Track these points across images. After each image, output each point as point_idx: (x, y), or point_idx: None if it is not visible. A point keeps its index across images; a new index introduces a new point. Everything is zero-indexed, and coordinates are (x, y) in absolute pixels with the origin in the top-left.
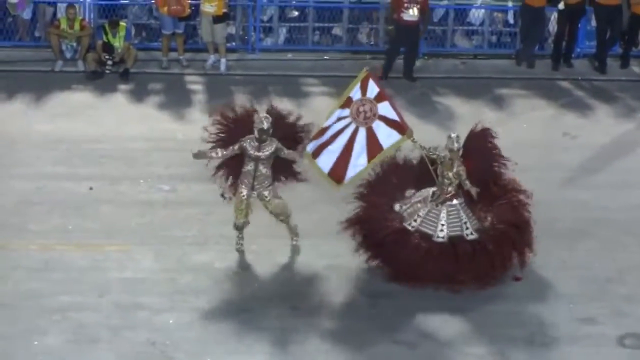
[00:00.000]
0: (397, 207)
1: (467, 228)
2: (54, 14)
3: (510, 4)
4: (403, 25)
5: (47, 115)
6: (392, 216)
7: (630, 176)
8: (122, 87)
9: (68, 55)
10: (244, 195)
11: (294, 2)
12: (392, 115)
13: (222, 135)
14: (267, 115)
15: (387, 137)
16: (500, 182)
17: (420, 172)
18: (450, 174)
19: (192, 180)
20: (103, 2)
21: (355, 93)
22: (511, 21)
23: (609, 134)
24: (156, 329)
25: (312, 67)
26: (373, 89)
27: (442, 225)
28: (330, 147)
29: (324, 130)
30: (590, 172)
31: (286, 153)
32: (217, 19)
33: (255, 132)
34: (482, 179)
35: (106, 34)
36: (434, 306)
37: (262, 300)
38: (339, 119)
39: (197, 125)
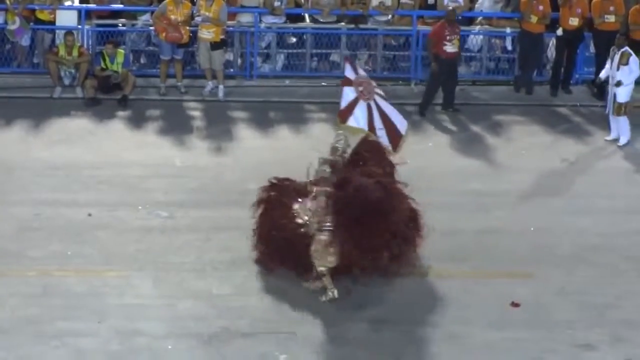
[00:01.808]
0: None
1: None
2: (53, 40)
3: (508, 30)
4: (445, 58)
5: (45, 141)
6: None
7: (629, 202)
8: (121, 113)
9: (66, 81)
10: None
11: (292, 28)
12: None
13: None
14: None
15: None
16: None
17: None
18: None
19: (190, 206)
20: (101, 29)
21: (349, 73)
22: (509, 47)
23: (608, 160)
24: (155, 355)
25: (310, 94)
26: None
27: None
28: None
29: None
30: (588, 198)
31: None
32: (215, 46)
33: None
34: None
35: (104, 60)
36: (434, 332)
37: (263, 326)
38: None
39: (195, 151)
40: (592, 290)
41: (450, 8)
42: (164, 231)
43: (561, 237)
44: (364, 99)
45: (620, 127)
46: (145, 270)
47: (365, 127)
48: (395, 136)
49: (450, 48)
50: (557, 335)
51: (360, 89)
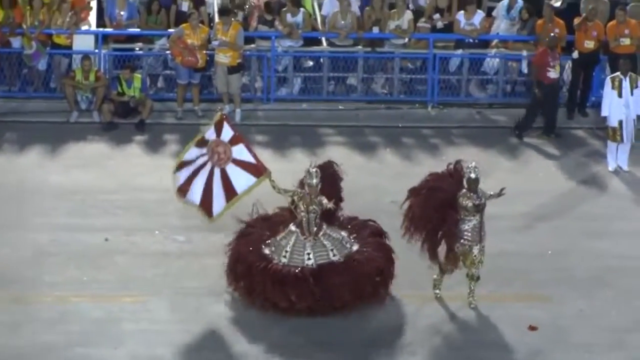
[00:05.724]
0: (266, 251)
1: (334, 255)
2: (69, 65)
3: (524, 53)
4: (548, 84)
5: (62, 166)
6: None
7: None
8: (138, 137)
9: (83, 106)
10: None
11: (309, 52)
12: (247, 158)
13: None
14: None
15: (242, 180)
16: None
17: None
18: (314, 206)
19: (207, 231)
20: (118, 53)
21: (210, 135)
22: (525, 70)
23: (625, 182)
24: None
25: (327, 117)
26: (228, 132)
27: (308, 254)
28: (195, 181)
29: (183, 164)
30: (606, 221)
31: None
32: (232, 70)
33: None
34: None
35: (121, 85)
36: (452, 356)
37: (280, 352)
38: (199, 156)
39: None
40: (611, 314)
41: (552, 34)
42: (181, 256)
43: (579, 260)
44: (212, 162)
45: (627, 151)
46: (162, 295)
47: (197, 202)
48: (208, 206)
49: (553, 74)
50: (575, 358)
51: (216, 149)
